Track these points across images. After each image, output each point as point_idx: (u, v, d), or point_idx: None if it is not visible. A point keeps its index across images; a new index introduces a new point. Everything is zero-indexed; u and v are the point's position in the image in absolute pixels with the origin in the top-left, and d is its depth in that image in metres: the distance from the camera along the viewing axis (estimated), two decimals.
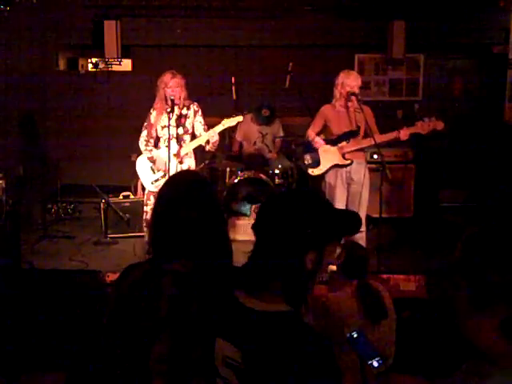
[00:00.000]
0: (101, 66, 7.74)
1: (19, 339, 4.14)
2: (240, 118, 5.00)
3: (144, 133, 5.19)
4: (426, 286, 4.52)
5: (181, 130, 5.05)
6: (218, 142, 5.07)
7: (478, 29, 7.37)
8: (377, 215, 4.99)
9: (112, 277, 4.45)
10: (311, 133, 5.04)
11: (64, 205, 6.86)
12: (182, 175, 2.13)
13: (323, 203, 1.55)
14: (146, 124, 5.21)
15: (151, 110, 5.19)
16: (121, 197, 6.05)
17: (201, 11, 7.32)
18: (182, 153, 5.02)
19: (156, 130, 5.14)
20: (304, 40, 7.43)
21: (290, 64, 5.85)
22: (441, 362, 3.50)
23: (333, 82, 5.00)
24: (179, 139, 5.04)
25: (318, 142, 4.98)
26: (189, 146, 5.04)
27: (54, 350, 4.04)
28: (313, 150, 5.04)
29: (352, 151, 4.90)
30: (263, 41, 7.47)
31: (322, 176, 5.05)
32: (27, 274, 4.80)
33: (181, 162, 5.03)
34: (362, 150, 4.96)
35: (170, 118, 4.89)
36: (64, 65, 8.09)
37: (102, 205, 5.83)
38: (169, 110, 4.91)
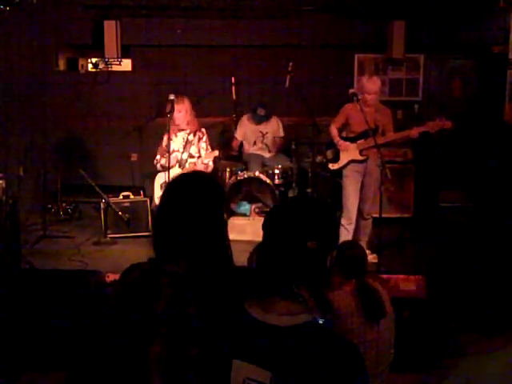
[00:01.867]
0: (101, 66, 7.74)
1: (19, 339, 4.14)
2: (216, 153, 5.37)
3: (158, 156, 5.54)
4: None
5: (185, 155, 5.40)
6: (211, 168, 5.46)
7: (478, 29, 7.36)
8: (377, 215, 5.00)
9: (112, 277, 4.45)
10: (334, 130, 5.26)
11: (64, 205, 6.85)
12: (186, 176, 2.11)
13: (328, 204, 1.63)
14: (159, 147, 5.53)
15: (164, 136, 5.45)
16: (121, 197, 6.05)
17: (201, 11, 7.32)
18: None
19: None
20: (304, 40, 7.43)
21: (290, 64, 5.85)
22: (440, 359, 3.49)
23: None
24: (182, 164, 5.36)
25: (342, 143, 5.18)
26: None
27: (54, 350, 4.04)
28: (334, 146, 5.28)
29: (369, 148, 5.03)
30: (263, 41, 7.47)
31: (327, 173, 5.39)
32: (27, 273, 4.80)
33: None
34: (378, 147, 4.97)
35: (169, 118, 4.97)
36: (64, 65, 8.10)
37: (101, 205, 5.82)
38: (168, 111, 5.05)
